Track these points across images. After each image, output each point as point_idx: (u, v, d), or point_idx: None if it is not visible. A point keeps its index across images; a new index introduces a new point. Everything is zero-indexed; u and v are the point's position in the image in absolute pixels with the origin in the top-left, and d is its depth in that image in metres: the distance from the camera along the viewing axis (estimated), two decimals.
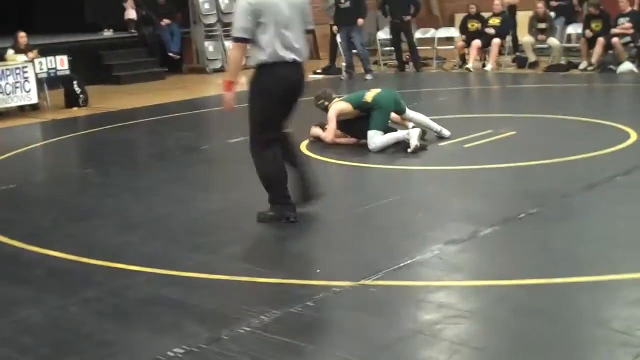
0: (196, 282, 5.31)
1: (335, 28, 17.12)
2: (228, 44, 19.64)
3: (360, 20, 16.46)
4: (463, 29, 17.41)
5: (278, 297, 5.00)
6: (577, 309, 4.64)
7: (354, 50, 16.68)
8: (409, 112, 9.57)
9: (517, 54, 17.31)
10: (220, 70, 19.38)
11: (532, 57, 16.63)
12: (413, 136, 8.91)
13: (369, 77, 16.25)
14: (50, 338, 4.58)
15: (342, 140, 9.61)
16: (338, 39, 17.01)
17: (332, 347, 4.30)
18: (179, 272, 5.47)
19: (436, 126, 9.60)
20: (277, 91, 6.49)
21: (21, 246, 6.27)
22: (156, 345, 4.37)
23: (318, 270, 5.42)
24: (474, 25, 17.15)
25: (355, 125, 9.42)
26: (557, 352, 4.13)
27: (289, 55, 6.36)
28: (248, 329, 4.51)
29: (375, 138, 9.09)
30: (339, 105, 9.57)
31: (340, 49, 16.97)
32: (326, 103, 9.74)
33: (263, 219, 6.51)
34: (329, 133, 9.51)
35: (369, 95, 9.39)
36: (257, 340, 4.39)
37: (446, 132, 9.57)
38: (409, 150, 8.82)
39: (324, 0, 18.69)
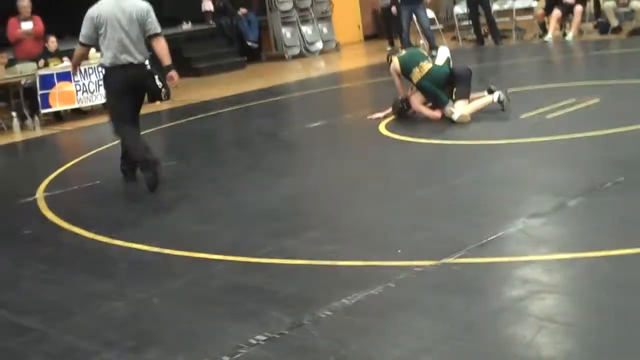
0: (276, 268, 5.30)
1: (394, 9, 17.02)
2: (305, 29, 19.71)
3: None
4: None
5: (359, 279, 4.94)
6: None
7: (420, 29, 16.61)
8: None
9: (599, 19, 16.84)
10: (300, 56, 19.44)
11: (614, 23, 16.16)
12: (496, 93, 9.23)
13: (434, 53, 16.06)
14: (134, 331, 4.62)
15: (425, 111, 9.65)
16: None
17: (415, 329, 4.23)
18: (258, 259, 5.47)
19: None
20: (119, 88, 8.05)
21: (105, 241, 6.36)
22: (238, 333, 4.36)
23: (399, 251, 5.33)
24: None
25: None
26: None
27: (126, 59, 7.93)
28: (330, 313, 4.48)
29: (456, 111, 9.16)
30: (394, 63, 9.95)
31: (401, 28, 16.83)
32: (391, 57, 10.06)
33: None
34: (400, 90, 9.89)
35: (415, 76, 9.58)
36: (339, 324, 4.35)
37: None
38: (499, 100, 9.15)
39: None
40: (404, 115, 9.83)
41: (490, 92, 9.47)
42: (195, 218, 6.74)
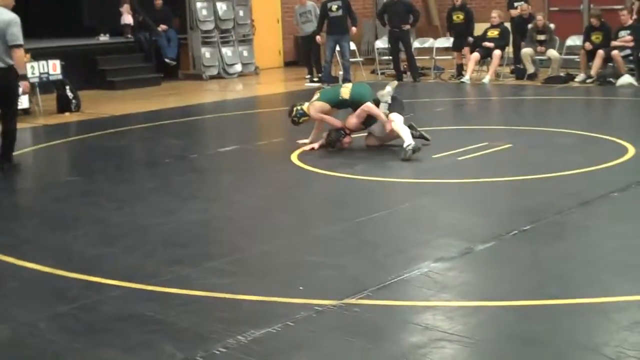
0: (173, 298, 5.11)
1: (319, 38, 17.08)
2: (225, 50, 19.54)
3: (353, 29, 16.44)
4: (448, 21, 17.61)
5: (258, 315, 4.80)
6: (569, 334, 4.44)
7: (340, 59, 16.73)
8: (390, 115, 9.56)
9: (517, 65, 17.11)
10: (218, 77, 19.24)
11: (530, 69, 16.45)
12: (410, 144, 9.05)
13: None
14: (15, 357, 4.38)
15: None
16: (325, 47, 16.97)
17: None
18: (156, 287, 5.27)
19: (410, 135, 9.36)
20: None
21: None
22: None
23: (301, 288, 5.20)
24: (459, 17, 17.18)
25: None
26: None
27: None
28: (224, 349, 4.32)
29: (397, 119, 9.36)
30: (317, 105, 9.82)
31: (324, 58, 16.88)
32: (299, 108, 9.93)
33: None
34: (334, 123, 9.77)
35: (345, 92, 9.75)
36: None
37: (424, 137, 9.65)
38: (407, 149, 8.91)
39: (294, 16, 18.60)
40: (336, 146, 9.69)
41: (411, 127, 9.47)
42: (95, 239, 6.50)
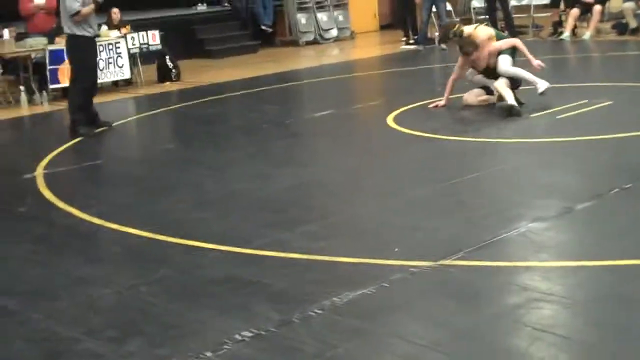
0: (269, 261, 5.17)
1: None
2: (320, 16, 19.52)
3: None
4: None
5: (352, 277, 4.81)
6: None
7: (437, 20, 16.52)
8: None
9: (619, 20, 16.61)
10: (313, 42, 19.26)
11: (632, 24, 15.93)
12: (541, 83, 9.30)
13: (444, 46, 16.04)
14: (118, 319, 4.50)
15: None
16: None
17: (405, 333, 4.09)
18: (252, 250, 5.34)
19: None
20: None
21: (100, 223, 6.24)
22: (224, 328, 4.24)
23: (396, 249, 5.19)
24: None
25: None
26: None
27: None
28: (320, 311, 4.35)
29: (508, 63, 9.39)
30: (488, 31, 9.78)
31: (420, 19, 16.69)
32: (460, 29, 9.80)
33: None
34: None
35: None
36: (329, 324, 4.22)
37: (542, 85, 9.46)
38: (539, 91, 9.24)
39: None
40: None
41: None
42: (192, 204, 6.61)
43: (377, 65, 15.80)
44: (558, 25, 16.75)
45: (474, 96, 9.80)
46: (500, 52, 9.54)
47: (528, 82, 9.52)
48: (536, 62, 9.62)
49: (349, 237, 5.62)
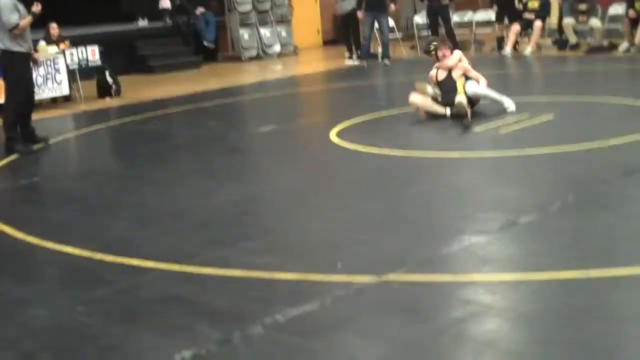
0: (210, 279, 5.07)
1: (360, 13, 16.89)
2: (263, 31, 19.48)
3: (392, 6, 16.28)
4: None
5: (295, 294, 4.73)
6: (614, 305, 4.31)
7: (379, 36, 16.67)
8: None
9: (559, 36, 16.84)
10: (257, 57, 19.21)
11: (572, 39, 16.16)
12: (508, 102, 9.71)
13: (387, 62, 16.17)
14: (54, 342, 4.36)
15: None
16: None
17: (349, 349, 4.03)
18: (193, 268, 5.23)
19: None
20: None
21: (36, 242, 6.08)
22: (164, 349, 4.13)
23: (339, 265, 5.12)
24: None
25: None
26: (592, 355, 3.81)
27: None
28: (261, 329, 4.26)
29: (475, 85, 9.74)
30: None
31: (363, 35, 16.75)
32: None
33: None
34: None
35: None
36: (270, 342, 4.14)
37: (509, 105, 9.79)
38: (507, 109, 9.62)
39: None
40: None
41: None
42: (132, 222, 6.49)
43: (321, 81, 15.80)
44: (502, 40, 16.91)
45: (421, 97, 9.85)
46: (466, 77, 9.83)
47: (492, 101, 9.85)
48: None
49: (292, 253, 5.54)
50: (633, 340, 3.94)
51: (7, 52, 9.53)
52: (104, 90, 14.32)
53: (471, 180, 7.08)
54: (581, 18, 16.06)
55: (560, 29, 16.78)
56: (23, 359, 4.16)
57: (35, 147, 9.74)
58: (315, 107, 12.92)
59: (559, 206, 5.99)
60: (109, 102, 13.95)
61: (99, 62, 14.25)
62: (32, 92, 10.26)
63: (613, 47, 15.62)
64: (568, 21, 16.20)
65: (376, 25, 16.62)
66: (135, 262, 5.45)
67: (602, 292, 4.50)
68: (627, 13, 15.41)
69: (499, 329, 4.16)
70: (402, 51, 17.79)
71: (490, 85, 10.19)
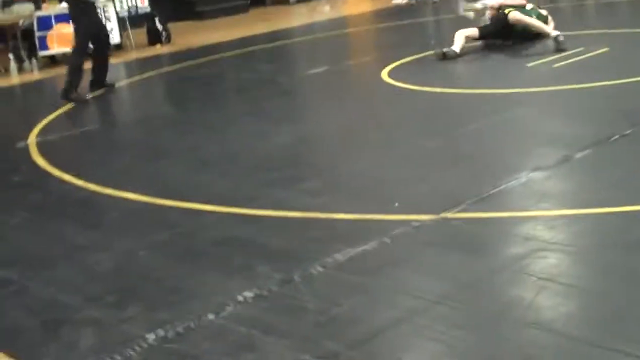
0: (269, 221, 5.10)
1: None
2: None
3: None
4: None
5: (353, 233, 4.74)
6: None
7: None
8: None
9: None
10: (304, 0, 19.07)
11: None
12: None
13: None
14: (118, 285, 4.43)
15: None
16: None
17: (409, 288, 4.03)
18: (251, 210, 5.27)
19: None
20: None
21: (96, 189, 6.16)
22: (225, 289, 4.18)
23: (397, 204, 5.12)
24: None
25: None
26: None
27: None
28: (321, 269, 4.29)
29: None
30: None
31: None
32: None
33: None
34: None
35: None
36: (330, 281, 4.16)
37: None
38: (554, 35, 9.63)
39: None
40: None
41: None
42: (189, 166, 6.54)
43: (370, 21, 15.65)
44: None
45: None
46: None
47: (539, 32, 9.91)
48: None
49: (348, 193, 5.54)
50: None
51: (76, 2, 9.84)
52: (154, 38, 14.37)
53: (527, 116, 7.00)
54: None
55: None
56: (89, 302, 4.23)
57: (89, 96, 9.84)
58: (366, 47, 12.82)
59: (615, 140, 5.91)
60: (159, 49, 14.00)
61: (148, 9, 14.29)
62: (107, 36, 10.63)
63: None
64: None
65: None
66: (194, 205, 5.51)
67: None
68: None
69: (559, 264, 4.13)
70: None
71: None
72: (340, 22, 15.80)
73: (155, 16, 14.38)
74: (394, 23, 14.35)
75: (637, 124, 6.19)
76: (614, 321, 3.49)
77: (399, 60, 9.90)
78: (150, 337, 3.76)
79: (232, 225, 5.12)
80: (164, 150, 7.17)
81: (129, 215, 5.60)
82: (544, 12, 10.24)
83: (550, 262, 4.15)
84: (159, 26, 14.38)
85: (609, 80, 7.68)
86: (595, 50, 9.09)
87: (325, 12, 17.70)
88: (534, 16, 9.97)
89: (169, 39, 14.45)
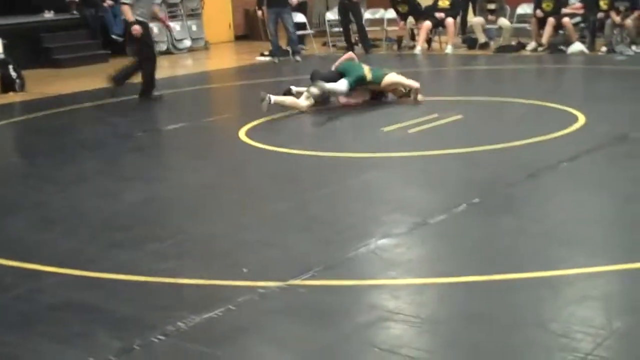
0: (113, 285, 4.94)
1: (260, 12, 16.86)
2: (173, 25, 19.21)
3: (293, 0, 16.15)
4: (395, 11, 17.28)
5: (199, 300, 4.64)
6: (516, 310, 4.35)
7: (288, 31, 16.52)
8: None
9: (468, 34, 17.08)
10: (167, 52, 18.94)
11: (481, 38, 16.40)
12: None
13: (298, 58, 16.16)
14: None
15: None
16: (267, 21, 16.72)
17: (255, 357, 3.97)
18: (95, 273, 5.10)
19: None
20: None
21: None
22: (61, 358, 4.01)
23: (245, 270, 5.05)
24: (404, 8, 16.94)
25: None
26: (493, 358, 3.83)
27: None
28: (163, 337, 4.17)
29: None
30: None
31: (269, 31, 16.65)
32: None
33: None
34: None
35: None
36: (172, 351, 4.05)
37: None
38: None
39: None
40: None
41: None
42: (32, 224, 6.29)
43: (233, 77, 15.67)
44: (401, 39, 17.11)
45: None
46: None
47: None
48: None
49: (196, 257, 5.45)
50: (529, 344, 3.97)
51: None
52: (7, 85, 13.91)
53: (379, 181, 7.08)
54: (490, 17, 16.30)
55: (464, 27, 17.08)
56: None
57: None
58: (226, 104, 12.81)
59: (465, 208, 6.04)
60: (12, 96, 13.56)
61: (2, 56, 13.85)
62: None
63: (521, 46, 15.91)
64: (477, 20, 16.42)
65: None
66: (34, 266, 5.29)
67: (506, 295, 4.55)
68: (534, 13, 15.70)
69: (404, 335, 4.15)
70: (314, 47, 17.77)
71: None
72: (202, 77, 15.72)
73: (9, 63, 13.95)
74: (256, 80, 14.39)
75: (485, 194, 6.35)
76: None
77: (257, 119, 9.89)
78: None
79: (72, 288, 4.94)
80: (7, 204, 6.89)
81: None
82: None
83: (394, 332, 4.16)
84: (13, 73, 13.94)
85: (460, 147, 7.88)
86: (449, 117, 9.32)
87: (187, 66, 17.61)
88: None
89: (22, 87, 14.02)
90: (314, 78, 10.53)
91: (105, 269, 5.16)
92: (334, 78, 10.34)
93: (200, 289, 4.81)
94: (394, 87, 10.57)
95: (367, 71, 10.43)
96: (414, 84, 10.55)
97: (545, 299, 4.48)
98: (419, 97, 10.52)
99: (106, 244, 5.69)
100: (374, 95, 10.71)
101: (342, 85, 10.14)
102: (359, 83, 10.32)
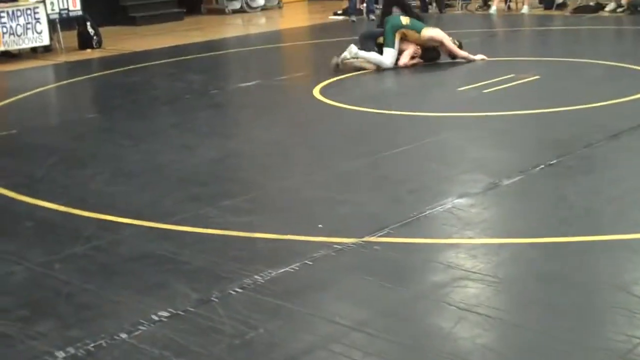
0: (188, 237, 5.00)
1: None
2: None
3: None
4: None
5: (274, 254, 4.67)
6: (595, 272, 4.29)
7: None
8: None
9: None
10: (240, 11, 18.98)
11: None
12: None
13: (372, 17, 16.07)
14: (30, 298, 4.29)
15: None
16: None
17: (328, 313, 3.97)
18: (171, 226, 5.16)
19: None
20: None
21: (12, 196, 5.98)
22: (140, 307, 4.07)
23: (320, 226, 5.06)
24: None
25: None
26: (571, 320, 3.78)
27: None
28: (240, 290, 4.20)
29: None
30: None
31: None
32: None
33: None
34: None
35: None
36: (249, 303, 4.08)
37: None
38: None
39: None
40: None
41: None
42: (109, 177, 6.39)
43: (305, 36, 15.63)
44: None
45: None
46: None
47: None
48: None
49: (272, 212, 5.48)
50: (609, 306, 3.90)
51: None
52: (85, 41, 14.12)
53: (454, 141, 7.01)
54: None
55: None
56: None
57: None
58: (299, 63, 12.78)
59: (541, 169, 5.94)
60: (89, 53, 13.76)
61: (80, 12, 14.03)
62: None
63: (600, 6, 15.53)
64: None
65: None
66: (112, 218, 5.37)
67: (584, 256, 4.48)
68: None
69: (480, 294, 4.11)
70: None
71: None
72: (275, 36, 15.73)
73: (87, 20, 14.13)
74: (330, 39, 14.33)
75: (562, 155, 6.23)
76: (530, 354, 3.49)
77: (332, 77, 9.87)
78: (60, 354, 3.65)
79: (150, 240, 5.00)
80: (85, 158, 7.01)
81: (45, 226, 5.43)
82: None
83: (470, 291, 4.13)
84: (91, 30, 14.13)
85: (537, 108, 7.75)
86: (526, 77, 9.17)
87: (260, 25, 17.63)
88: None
89: (100, 44, 14.20)
90: (361, 37, 10.76)
91: (181, 222, 5.21)
92: (379, 34, 10.56)
93: (275, 243, 4.83)
94: (438, 44, 10.47)
95: (405, 19, 10.51)
96: (461, 52, 10.54)
97: (626, 262, 4.40)
98: (478, 57, 10.56)
99: (181, 198, 5.75)
100: (424, 53, 10.61)
101: (383, 57, 10.22)
102: (395, 28, 10.33)
